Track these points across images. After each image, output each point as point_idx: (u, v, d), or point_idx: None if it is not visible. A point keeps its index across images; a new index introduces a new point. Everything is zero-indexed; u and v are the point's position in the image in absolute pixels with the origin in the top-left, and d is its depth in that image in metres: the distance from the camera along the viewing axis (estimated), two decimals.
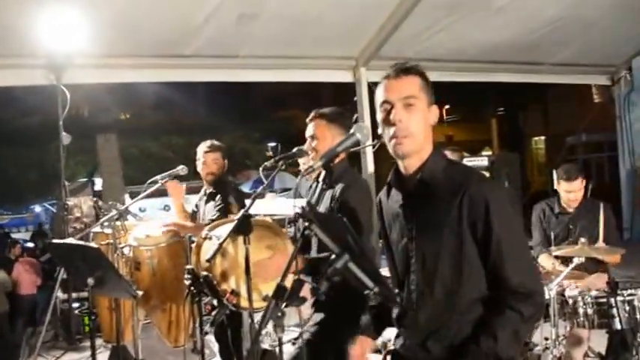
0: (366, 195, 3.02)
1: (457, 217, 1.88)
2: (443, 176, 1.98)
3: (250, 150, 24.65)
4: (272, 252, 2.98)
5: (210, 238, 3.13)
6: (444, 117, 23.32)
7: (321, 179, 3.09)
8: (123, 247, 4.07)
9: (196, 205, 4.77)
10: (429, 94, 2.02)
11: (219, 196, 4.41)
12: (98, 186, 16.03)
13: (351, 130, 2.00)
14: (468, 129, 25.61)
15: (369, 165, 6.85)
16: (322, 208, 2.96)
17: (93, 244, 3.86)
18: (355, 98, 7.01)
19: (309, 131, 3.16)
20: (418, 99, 1.99)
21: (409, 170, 2.04)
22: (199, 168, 4.55)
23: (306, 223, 1.75)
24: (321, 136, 3.10)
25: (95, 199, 4.45)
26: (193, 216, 4.72)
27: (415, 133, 1.98)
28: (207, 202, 4.54)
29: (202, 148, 4.56)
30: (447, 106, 23.22)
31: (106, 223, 4.00)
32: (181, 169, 4.39)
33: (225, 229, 3.05)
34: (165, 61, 6.13)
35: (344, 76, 7.12)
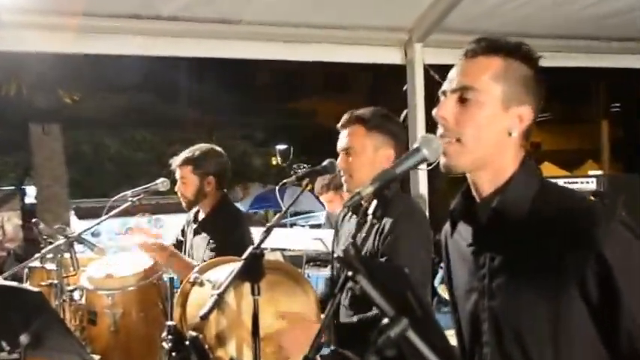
0: (425, 232, 3.07)
1: (557, 267, 1.88)
2: (533, 206, 1.98)
3: (251, 154, 24.80)
4: (294, 313, 3.02)
5: (202, 284, 3.17)
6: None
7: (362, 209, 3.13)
8: (72, 291, 4.14)
9: (182, 232, 4.84)
10: (518, 89, 2.02)
11: (209, 235, 4.47)
12: (30, 197, 16.20)
13: (416, 144, 2.02)
14: (565, 134, 25.48)
15: (421, 185, 6.78)
16: (363, 250, 3.00)
17: (29, 287, 3.92)
18: (405, 87, 7.01)
19: (342, 142, 3.24)
20: (481, 92, 2.00)
21: (481, 192, 2.07)
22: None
23: (349, 273, 1.76)
24: (360, 148, 3.19)
25: (35, 220, 4.50)
26: (177, 248, 4.78)
27: (470, 138, 1.99)
28: (196, 232, 4.60)
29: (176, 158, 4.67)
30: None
31: (49, 255, 4.07)
32: (162, 184, 4.51)
33: (223, 271, 3.10)
34: (133, 24, 6.09)
35: (390, 55, 7.09)
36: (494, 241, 2.03)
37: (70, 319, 4.11)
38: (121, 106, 22.07)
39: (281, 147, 28.88)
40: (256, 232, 4.40)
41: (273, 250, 7.65)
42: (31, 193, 15.63)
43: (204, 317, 2.72)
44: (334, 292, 1.95)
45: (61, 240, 4.03)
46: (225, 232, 4.37)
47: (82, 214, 16.32)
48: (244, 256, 2.73)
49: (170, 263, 4.17)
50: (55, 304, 4.01)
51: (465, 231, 2.13)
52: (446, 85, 2.08)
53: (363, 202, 1.99)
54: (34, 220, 4.46)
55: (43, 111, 15.06)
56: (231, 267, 2.95)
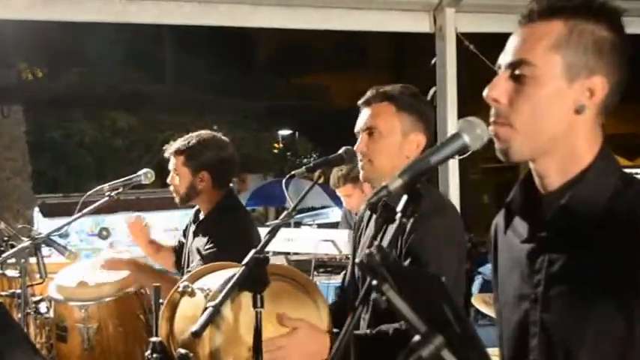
0: (458, 232, 3.08)
1: (635, 279, 1.84)
2: (610, 204, 1.95)
3: (249, 140, 24.77)
4: (296, 318, 3.01)
5: (192, 293, 3.16)
6: None
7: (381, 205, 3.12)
8: (38, 302, 4.16)
9: (184, 233, 4.85)
10: (587, 56, 1.96)
11: (210, 232, 4.44)
12: None
13: (456, 129, 2.00)
14: (626, 115, 25.33)
15: (451, 176, 6.71)
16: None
17: None
18: (434, 61, 6.96)
19: (365, 121, 3.22)
20: (537, 66, 1.96)
21: (547, 185, 2.03)
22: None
23: (374, 282, 1.74)
24: (386, 129, 3.18)
25: None
26: (179, 253, 4.87)
27: (526, 124, 1.97)
28: (195, 234, 4.63)
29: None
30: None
31: (11, 260, 4.07)
32: (144, 175, 4.52)
33: (217, 278, 3.11)
34: None
35: (416, 22, 7.07)
36: (558, 241, 1.99)
37: (35, 335, 4.12)
38: (97, 84, 22.00)
39: (284, 132, 28.83)
40: None
41: (276, 254, 7.64)
42: None
43: (198, 334, 2.69)
44: (354, 305, 1.92)
45: (25, 242, 4.02)
46: (221, 241, 4.33)
47: (49, 212, 16.27)
48: (245, 261, 2.71)
49: (142, 279, 4.19)
50: (17, 317, 4.00)
51: (521, 227, 2.10)
52: (501, 59, 2.05)
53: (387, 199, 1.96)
54: None
55: (1, 90, 15.05)
56: (227, 274, 2.95)
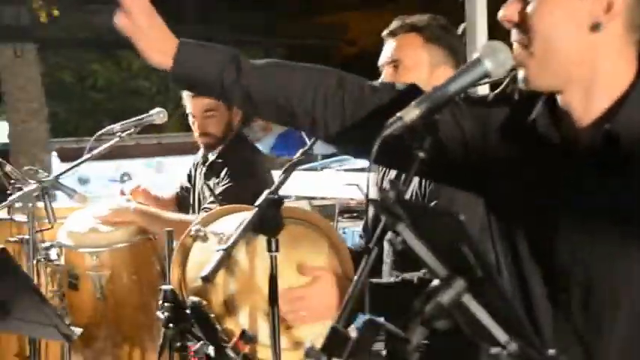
0: None
1: None
2: None
3: None
4: (317, 267, 2.98)
5: (205, 238, 3.12)
6: None
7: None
8: (48, 249, 4.13)
9: (189, 177, 4.81)
10: None
11: (225, 169, 4.44)
12: (1, 136, 16.22)
13: (476, 54, 1.92)
14: None
15: None
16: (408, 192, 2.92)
17: None
18: None
19: (390, 53, 3.15)
20: None
21: (577, 121, 1.94)
22: (190, 122, 4.64)
23: (390, 222, 1.69)
24: (413, 62, 3.11)
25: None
26: (182, 200, 4.84)
27: (539, 46, 1.89)
28: (206, 177, 4.59)
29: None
30: None
31: (18, 204, 4.06)
32: (157, 114, 4.49)
33: (232, 222, 3.06)
34: None
35: None
36: (594, 173, 1.90)
37: (45, 283, 4.11)
38: (111, 24, 21.85)
39: None
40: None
41: (299, 198, 7.60)
42: (3, 131, 15.59)
43: (208, 279, 2.66)
44: (369, 246, 1.86)
45: (32, 185, 3.99)
46: (237, 178, 4.31)
47: (66, 157, 16.23)
48: (258, 202, 2.67)
49: (153, 228, 4.16)
50: (26, 264, 4.00)
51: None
52: None
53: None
54: None
55: (13, 28, 14.99)
56: (242, 217, 2.90)
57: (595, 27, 1.85)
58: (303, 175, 6.62)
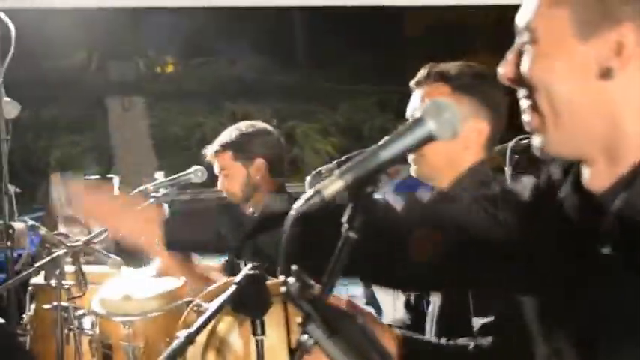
0: None
1: None
2: None
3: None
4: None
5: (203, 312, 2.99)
6: None
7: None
8: (81, 317, 4.07)
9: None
10: (621, 5, 1.61)
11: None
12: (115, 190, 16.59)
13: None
14: None
15: None
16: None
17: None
18: None
19: (414, 105, 3.05)
20: (541, 30, 1.68)
21: (594, 184, 1.73)
22: None
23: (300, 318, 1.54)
24: None
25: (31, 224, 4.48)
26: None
27: (542, 104, 1.68)
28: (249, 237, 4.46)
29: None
30: None
31: (56, 270, 3.99)
32: (195, 174, 4.47)
33: None
34: None
35: None
36: (612, 259, 1.66)
37: (80, 354, 4.04)
38: (220, 75, 22.42)
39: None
40: None
41: None
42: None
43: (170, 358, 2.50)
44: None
45: (61, 250, 3.94)
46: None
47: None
48: (237, 278, 2.51)
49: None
50: (59, 335, 3.96)
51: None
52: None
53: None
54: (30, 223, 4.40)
55: (120, 82, 15.31)
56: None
57: (606, 73, 1.63)
58: None
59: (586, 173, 1.74)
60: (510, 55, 1.75)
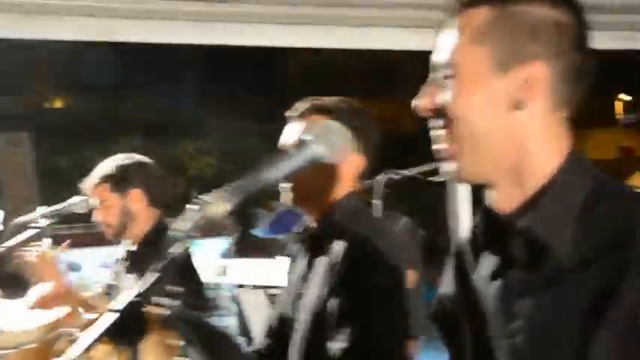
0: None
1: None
2: (579, 228, 1.65)
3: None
4: None
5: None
6: (617, 114, 22.97)
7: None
8: None
9: (115, 275, 4.65)
10: (518, 41, 1.71)
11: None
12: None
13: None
14: None
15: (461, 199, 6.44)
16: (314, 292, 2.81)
17: None
18: None
19: (294, 135, 2.99)
20: (461, 65, 1.74)
21: (502, 207, 1.78)
22: None
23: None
24: None
25: None
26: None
27: (460, 134, 1.74)
28: (128, 270, 4.40)
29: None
30: (622, 97, 22.78)
31: None
32: (77, 204, 4.41)
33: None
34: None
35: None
36: (531, 277, 1.71)
37: None
38: (103, 109, 22.30)
39: None
40: None
41: (257, 287, 7.43)
42: None
43: None
44: None
45: None
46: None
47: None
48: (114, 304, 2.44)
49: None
50: None
51: (491, 256, 1.82)
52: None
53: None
54: None
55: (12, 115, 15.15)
56: None
57: (518, 105, 1.73)
58: (257, 264, 6.39)
59: (494, 196, 1.80)
60: (428, 88, 1.81)
